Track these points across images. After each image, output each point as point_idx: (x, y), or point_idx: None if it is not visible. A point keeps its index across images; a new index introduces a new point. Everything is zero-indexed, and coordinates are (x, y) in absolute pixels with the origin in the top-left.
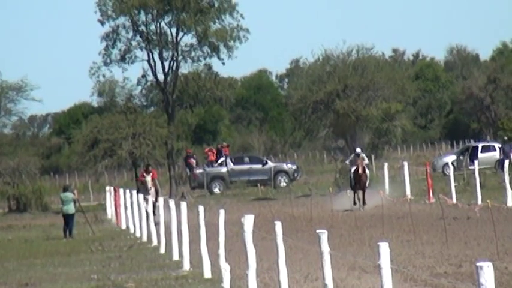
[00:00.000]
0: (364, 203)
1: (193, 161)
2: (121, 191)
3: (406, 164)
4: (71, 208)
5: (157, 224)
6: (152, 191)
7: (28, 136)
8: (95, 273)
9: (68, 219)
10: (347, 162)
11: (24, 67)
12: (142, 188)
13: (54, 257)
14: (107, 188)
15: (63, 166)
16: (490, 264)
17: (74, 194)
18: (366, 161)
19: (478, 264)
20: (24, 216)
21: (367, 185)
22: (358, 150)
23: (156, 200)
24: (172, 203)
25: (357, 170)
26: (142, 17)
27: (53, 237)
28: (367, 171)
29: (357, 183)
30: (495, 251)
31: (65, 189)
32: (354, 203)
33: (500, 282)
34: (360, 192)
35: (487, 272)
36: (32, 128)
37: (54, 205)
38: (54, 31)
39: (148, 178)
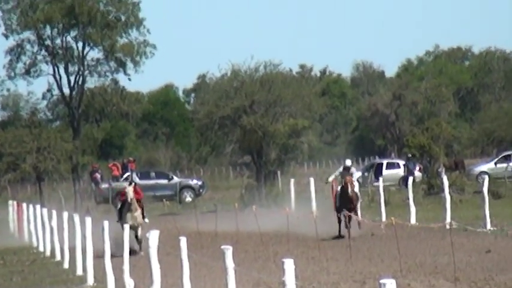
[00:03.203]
0: (358, 224)
1: (98, 176)
2: (24, 205)
3: (312, 180)
4: None
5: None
6: (138, 212)
7: None
8: None
9: None
10: (332, 176)
11: None
12: (124, 210)
13: None
14: (10, 202)
15: None
16: (393, 281)
17: None
18: (356, 178)
19: (382, 281)
20: None
21: (358, 207)
22: (348, 162)
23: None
24: (77, 218)
25: (345, 189)
26: (48, 31)
27: None
28: (356, 190)
29: (344, 204)
30: (398, 268)
31: None
32: (340, 232)
33: None
34: (350, 216)
35: None
36: None
37: None
38: None
39: (130, 188)
